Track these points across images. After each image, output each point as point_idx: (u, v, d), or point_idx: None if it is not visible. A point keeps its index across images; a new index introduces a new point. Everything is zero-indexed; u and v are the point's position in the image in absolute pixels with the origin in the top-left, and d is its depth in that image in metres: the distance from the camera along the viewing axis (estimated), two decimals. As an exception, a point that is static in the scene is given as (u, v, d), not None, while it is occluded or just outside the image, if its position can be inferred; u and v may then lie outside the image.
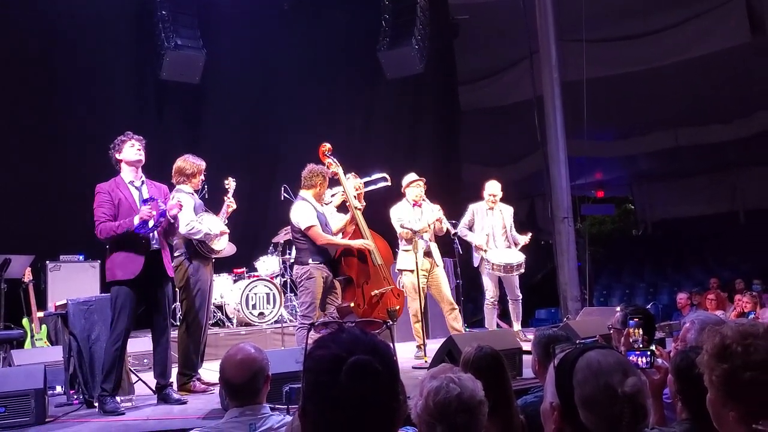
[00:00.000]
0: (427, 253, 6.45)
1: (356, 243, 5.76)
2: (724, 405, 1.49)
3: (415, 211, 6.51)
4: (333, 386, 1.17)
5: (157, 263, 4.74)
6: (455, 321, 6.44)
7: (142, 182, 4.80)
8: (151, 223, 4.60)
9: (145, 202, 4.66)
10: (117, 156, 4.78)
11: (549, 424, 1.49)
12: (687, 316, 9.12)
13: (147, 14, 9.87)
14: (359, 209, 6.02)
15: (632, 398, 1.42)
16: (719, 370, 1.49)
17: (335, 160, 5.97)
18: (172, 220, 4.77)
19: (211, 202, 5.81)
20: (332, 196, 6.20)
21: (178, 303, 7.50)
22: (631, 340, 2.63)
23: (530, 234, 7.51)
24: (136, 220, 4.57)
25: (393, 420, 1.22)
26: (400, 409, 1.24)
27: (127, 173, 4.78)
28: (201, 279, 5.30)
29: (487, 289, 7.31)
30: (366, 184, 6.36)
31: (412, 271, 6.26)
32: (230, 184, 5.81)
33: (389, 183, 6.59)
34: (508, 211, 7.45)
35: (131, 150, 4.77)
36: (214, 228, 5.37)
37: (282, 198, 6.82)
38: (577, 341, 3.52)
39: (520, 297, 7.43)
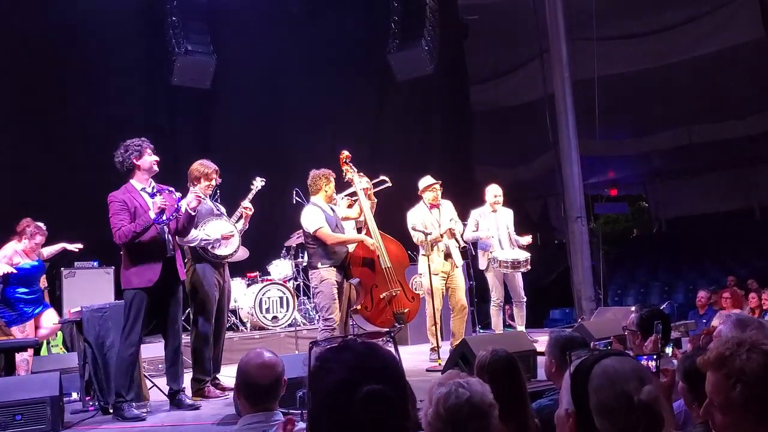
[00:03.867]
0: (447, 255, 6.51)
1: (369, 240, 5.78)
2: (758, 424, 1.43)
3: (433, 214, 6.57)
4: (344, 411, 1.18)
5: (172, 269, 4.74)
6: (460, 325, 6.49)
7: (153, 188, 4.76)
8: (165, 215, 4.61)
9: (154, 194, 4.66)
10: (135, 161, 4.71)
11: (564, 431, 1.47)
12: (705, 315, 9.07)
13: (157, 20, 9.93)
14: (371, 209, 6.06)
15: (648, 406, 1.39)
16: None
17: (353, 167, 6.01)
18: (192, 213, 4.75)
19: (232, 202, 5.82)
20: (342, 198, 6.22)
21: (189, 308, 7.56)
22: (660, 345, 2.62)
23: (530, 236, 7.57)
24: (152, 213, 4.58)
25: None
26: (411, 424, 1.24)
27: (139, 180, 4.74)
28: (208, 283, 5.26)
29: (493, 291, 7.38)
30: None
31: (434, 273, 6.31)
32: (256, 184, 5.75)
33: (390, 183, 6.62)
34: (509, 213, 7.55)
35: (150, 159, 4.74)
36: (213, 233, 5.29)
37: (294, 201, 6.84)
38: (592, 343, 3.51)
39: (525, 299, 7.45)
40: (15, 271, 5.93)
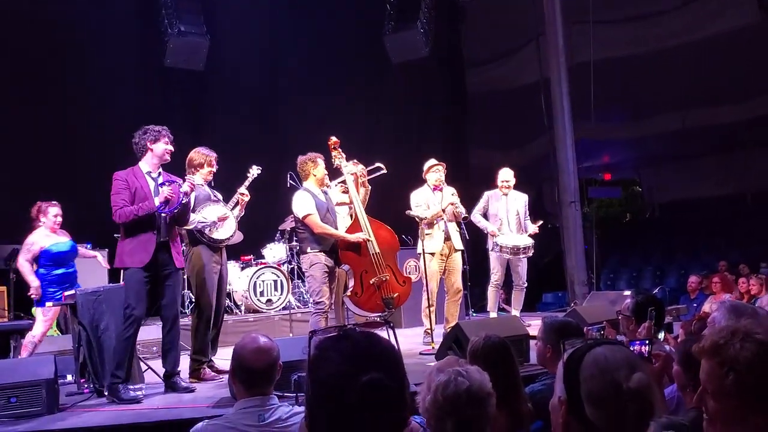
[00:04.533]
0: (447, 237, 6.54)
1: (352, 237, 5.77)
2: (751, 412, 1.44)
3: (436, 196, 6.60)
4: (344, 401, 1.18)
5: (167, 254, 4.77)
6: (455, 309, 6.55)
7: (159, 174, 4.81)
8: (168, 207, 4.67)
9: (163, 184, 4.71)
10: (149, 144, 4.76)
11: (556, 419, 1.49)
12: (696, 299, 9.13)
13: (150, 0, 9.82)
14: (365, 196, 6.05)
15: (637, 394, 1.40)
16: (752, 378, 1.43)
17: (341, 153, 5.99)
18: (185, 199, 4.79)
19: (225, 186, 5.82)
20: (335, 186, 6.22)
21: (187, 291, 7.58)
22: (653, 332, 2.66)
23: (540, 222, 7.57)
24: (157, 201, 4.63)
25: (402, 425, 1.25)
26: (408, 412, 1.25)
27: (147, 164, 4.79)
28: (207, 267, 5.31)
29: (493, 272, 7.44)
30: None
31: (431, 254, 6.36)
32: (252, 172, 5.79)
33: (385, 171, 6.63)
34: (522, 198, 7.55)
35: (164, 147, 4.78)
36: (209, 216, 5.34)
37: (288, 185, 6.84)
38: (585, 328, 3.53)
39: (526, 285, 7.48)
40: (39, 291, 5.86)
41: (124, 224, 4.67)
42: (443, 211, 6.47)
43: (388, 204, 6.97)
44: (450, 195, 6.57)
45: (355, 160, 6.18)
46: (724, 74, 13.77)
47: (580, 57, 11.20)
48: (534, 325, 5.66)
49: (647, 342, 2.67)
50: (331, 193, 6.02)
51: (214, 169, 5.50)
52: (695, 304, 9.02)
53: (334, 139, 6.07)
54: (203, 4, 10.11)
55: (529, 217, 7.51)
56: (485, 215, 7.42)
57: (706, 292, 9.20)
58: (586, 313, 5.70)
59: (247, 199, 5.67)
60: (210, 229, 5.36)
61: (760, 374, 1.43)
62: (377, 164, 6.59)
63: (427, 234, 6.42)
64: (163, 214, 4.71)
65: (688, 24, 13.05)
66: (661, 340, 3.39)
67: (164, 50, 9.65)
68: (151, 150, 4.78)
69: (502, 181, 7.47)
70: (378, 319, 5.98)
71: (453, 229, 6.61)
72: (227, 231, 5.49)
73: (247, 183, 5.74)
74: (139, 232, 4.66)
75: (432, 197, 6.60)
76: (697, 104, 15.29)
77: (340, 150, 6.02)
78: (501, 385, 2.41)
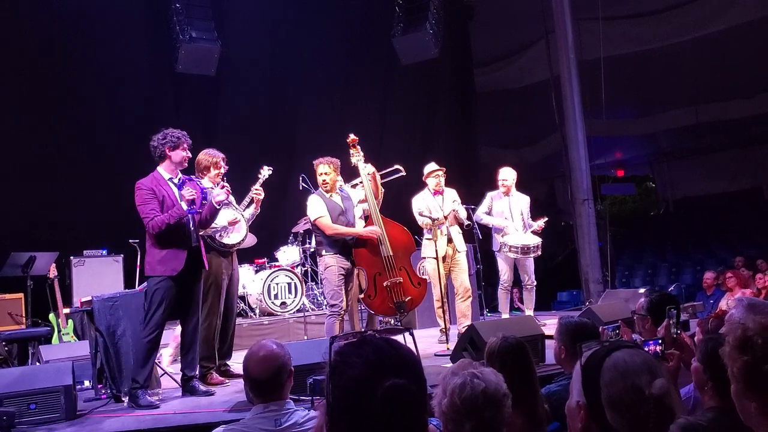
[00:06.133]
0: (449, 240, 6.59)
1: (364, 231, 5.75)
2: (745, 396, 1.49)
3: (436, 200, 6.65)
4: (366, 406, 1.19)
5: (196, 258, 4.81)
6: (466, 308, 6.55)
7: (180, 179, 4.82)
8: (195, 205, 4.69)
9: (181, 186, 4.72)
10: (168, 151, 4.76)
11: (575, 423, 1.48)
12: (713, 296, 9.05)
13: (161, 7, 9.87)
14: (376, 199, 6.05)
15: (659, 400, 1.40)
16: (740, 362, 1.50)
17: (360, 151, 5.96)
18: (217, 206, 4.81)
19: (239, 189, 5.85)
20: (352, 186, 6.22)
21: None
22: (672, 332, 2.64)
23: (545, 219, 7.56)
24: (184, 205, 4.65)
25: (423, 429, 1.26)
26: (427, 415, 1.26)
27: (167, 170, 4.78)
28: (214, 272, 5.31)
29: (502, 273, 7.45)
30: (382, 176, 6.39)
31: (434, 258, 6.34)
32: (263, 172, 5.80)
33: (404, 173, 6.63)
34: (525, 200, 7.58)
35: (183, 154, 4.78)
36: (220, 221, 5.34)
37: (300, 188, 6.86)
38: (600, 327, 3.51)
39: (535, 284, 7.48)
40: None
41: (157, 234, 4.64)
42: (445, 217, 6.50)
43: (398, 204, 6.97)
44: (451, 201, 6.59)
45: (369, 164, 6.18)
46: (736, 69, 13.67)
47: (589, 54, 11.14)
48: (549, 325, 5.64)
49: (660, 341, 2.66)
50: (351, 193, 5.99)
51: (222, 171, 5.46)
52: (712, 301, 8.94)
53: (352, 136, 5.99)
54: (214, 10, 10.15)
55: (530, 218, 7.52)
56: (489, 215, 7.45)
57: (722, 289, 9.12)
58: (601, 312, 5.67)
59: (261, 196, 5.66)
60: (221, 234, 5.38)
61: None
62: (396, 166, 6.59)
63: (428, 238, 6.48)
64: (193, 216, 4.73)
65: (699, 18, 12.95)
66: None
67: (176, 56, 9.69)
68: (170, 157, 4.77)
69: (501, 180, 7.50)
70: (392, 322, 5.98)
71: (455, 231, 6.66)
72: (238, 235, 5.51)
73: (259, 182, 5.75)
74: (172, 240, 4.66)
75: (432, 201, 6.65)
76: (709, 99, 15.18)
77: (358, 148, 5.94)
78: (517, 387, 2.41)
